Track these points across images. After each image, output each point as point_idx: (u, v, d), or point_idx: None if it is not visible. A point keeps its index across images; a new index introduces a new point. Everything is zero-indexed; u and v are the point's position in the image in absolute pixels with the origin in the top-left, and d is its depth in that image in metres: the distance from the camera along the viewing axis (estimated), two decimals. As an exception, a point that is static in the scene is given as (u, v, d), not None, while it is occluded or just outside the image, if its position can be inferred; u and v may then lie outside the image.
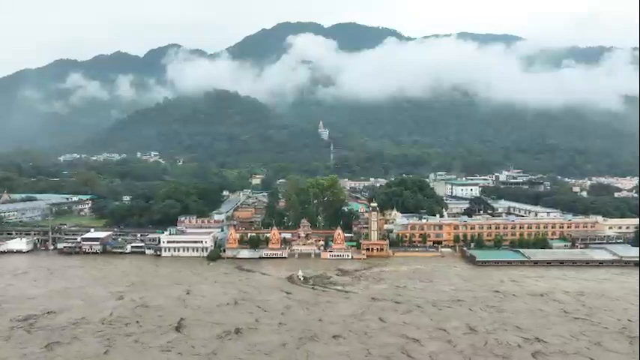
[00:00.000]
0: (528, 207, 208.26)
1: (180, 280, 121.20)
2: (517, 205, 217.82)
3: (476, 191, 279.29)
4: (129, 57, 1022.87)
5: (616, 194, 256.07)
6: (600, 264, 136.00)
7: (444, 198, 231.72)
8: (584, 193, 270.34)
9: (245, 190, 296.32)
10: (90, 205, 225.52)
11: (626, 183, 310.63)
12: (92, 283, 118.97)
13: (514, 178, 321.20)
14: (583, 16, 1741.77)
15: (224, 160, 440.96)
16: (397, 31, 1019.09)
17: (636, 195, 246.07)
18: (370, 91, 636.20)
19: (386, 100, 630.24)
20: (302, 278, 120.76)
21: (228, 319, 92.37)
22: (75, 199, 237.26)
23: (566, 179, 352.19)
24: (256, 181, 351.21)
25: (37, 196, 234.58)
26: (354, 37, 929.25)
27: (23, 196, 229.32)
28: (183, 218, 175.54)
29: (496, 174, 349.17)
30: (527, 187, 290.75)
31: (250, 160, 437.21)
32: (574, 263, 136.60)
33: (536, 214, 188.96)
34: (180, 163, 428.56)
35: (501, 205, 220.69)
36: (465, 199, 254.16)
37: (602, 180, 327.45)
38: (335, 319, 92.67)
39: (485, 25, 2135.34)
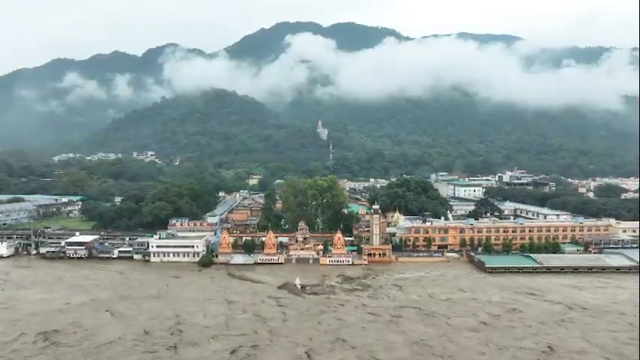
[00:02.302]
0: (536, 209, 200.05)
1: (171, 291, 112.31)
2: (524, 206, 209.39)
3: (479, 192, 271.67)
4: (127, 56, 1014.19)
5: (622, 195, 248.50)
6: (617, 270, 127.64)
7: (447, 199, 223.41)
8: (590, 194, 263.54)
9: (241, 191, 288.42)
10: (80, 206, 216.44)
11: (631, 184, 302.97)
12: (93, 292, 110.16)
13: (518, 178, 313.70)
14: (583, 16, 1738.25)
15: (221, 160, 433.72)
16: (396, 31, 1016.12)
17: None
18: (369, 91, 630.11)
19: (385, 99, 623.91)
20: (299, 286, 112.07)
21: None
22: (64, 200, 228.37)
23: (570, 180, 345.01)
24: (253, 181, 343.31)
25: (26, 197, 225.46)
26: (353, 37, 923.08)
27: (10, 197, 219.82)
28: (174, 221, 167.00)
29: (499, 174, 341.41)
30: (531, 188, 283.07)
31: (248, 160, 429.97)
32: (589, 270, 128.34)
33: (545, 217, 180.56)
34: (177, 163, 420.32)
35: (507, 206, 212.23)
36: (468, 200, 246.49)
37: (607, 181, 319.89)
38: (371, 338, 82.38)
39: (485, 26, 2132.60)
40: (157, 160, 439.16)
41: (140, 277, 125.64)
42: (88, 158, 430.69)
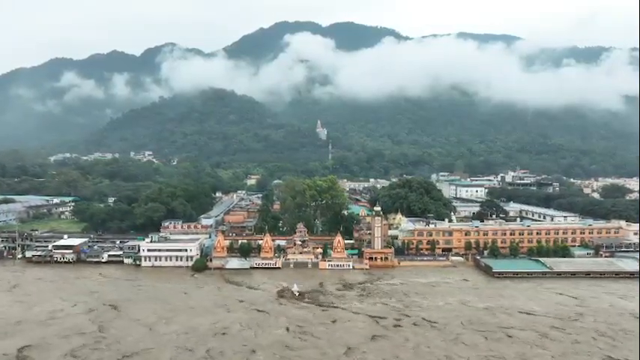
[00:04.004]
0: (542, 210, 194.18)
1: (171, 299, 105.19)
2: (529, 208, 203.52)
3: (481, 193, 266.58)
4: (125, 56, 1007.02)
5: (627, 196, 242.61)
6: (632, 275, 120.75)
7: (450, 200, 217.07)
8: (595, 195, 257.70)
9: (239, 192, 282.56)
10: (72, 207, 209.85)
11: (634, 184, 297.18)
12: (95, 300, 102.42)
13: (521, 178, 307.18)
14: (583, 16, 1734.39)
15: (219, 160, 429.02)
16: (395, 31, 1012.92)
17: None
18: (368, 91, 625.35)
19: (384, 99, 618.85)
20: (297, 294, 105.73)
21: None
22: (56, 200, 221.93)
23: (572, 180, 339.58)
24: (252, 181, 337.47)
25: (16, 197, 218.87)
26: (351, 37, 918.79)
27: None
28: (167, 223, 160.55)
29: (501, 174, 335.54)
30: (535, 188, 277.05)
31: (246, 160, 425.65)
32: (602, 275, 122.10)
33: (552, 219, 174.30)
34: (175, 163, 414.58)
35: (512, 207, 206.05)
36: (471, 201, 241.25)
37: (610, 181, 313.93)
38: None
39: (485, 26, 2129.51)
40: (154, 159, 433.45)
41: (138, 283, 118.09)
42: (85, 158, 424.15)
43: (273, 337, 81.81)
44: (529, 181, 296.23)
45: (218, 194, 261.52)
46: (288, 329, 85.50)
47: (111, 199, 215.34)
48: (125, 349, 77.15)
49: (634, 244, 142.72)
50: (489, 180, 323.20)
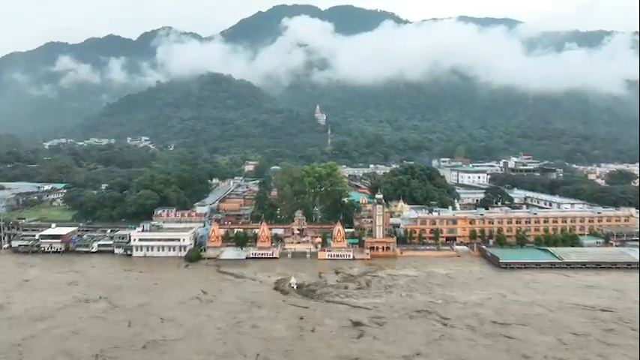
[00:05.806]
0: (547, 197, 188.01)
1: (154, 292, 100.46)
2: (534, 194, 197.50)
3: (484, 179, 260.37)
4: (122, 40, 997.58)
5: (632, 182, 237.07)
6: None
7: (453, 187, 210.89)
8: (599, 181, 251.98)
9: (236, 178, 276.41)
10: (63, 194, 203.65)
11: (637, 170, 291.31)
12: (101, 295, 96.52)
13: (524, 164, 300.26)
14: (583, 1, 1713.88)
15: (216, 146, 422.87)
16: (395, 14, 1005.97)
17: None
18: (368, 75, 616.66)
19: (384, 84, 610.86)
20: (295, 286, 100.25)
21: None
22: (47, 187, 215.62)
23: (574, 166, 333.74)
24: (249, 167, 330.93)
25: (7, 184, 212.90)
26: (350, 20, 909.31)
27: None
28: (160, 211, 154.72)
29: (504, 160, 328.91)
30: (538, 174, 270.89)
31: (244, 146, 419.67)
32: (613, 265, 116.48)
33: (559, 206, 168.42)
34: (171, 149, 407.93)
35: (516, 194, 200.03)
36: (474, 187, 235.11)
37: (612, 167, 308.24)
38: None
39: (485, 9, 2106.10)
40: (150, 145, 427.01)
41: (137, 275, 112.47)
42: (80, 144, 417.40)
43: (320, 341, 75.13)
44: (532, 167, 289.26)
45: (215, 180, 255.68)
46: (332, 332, 78.64)
47: (104, 186, 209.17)
48: (183, 353, 71.22)
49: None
50: (491, 166, 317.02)
